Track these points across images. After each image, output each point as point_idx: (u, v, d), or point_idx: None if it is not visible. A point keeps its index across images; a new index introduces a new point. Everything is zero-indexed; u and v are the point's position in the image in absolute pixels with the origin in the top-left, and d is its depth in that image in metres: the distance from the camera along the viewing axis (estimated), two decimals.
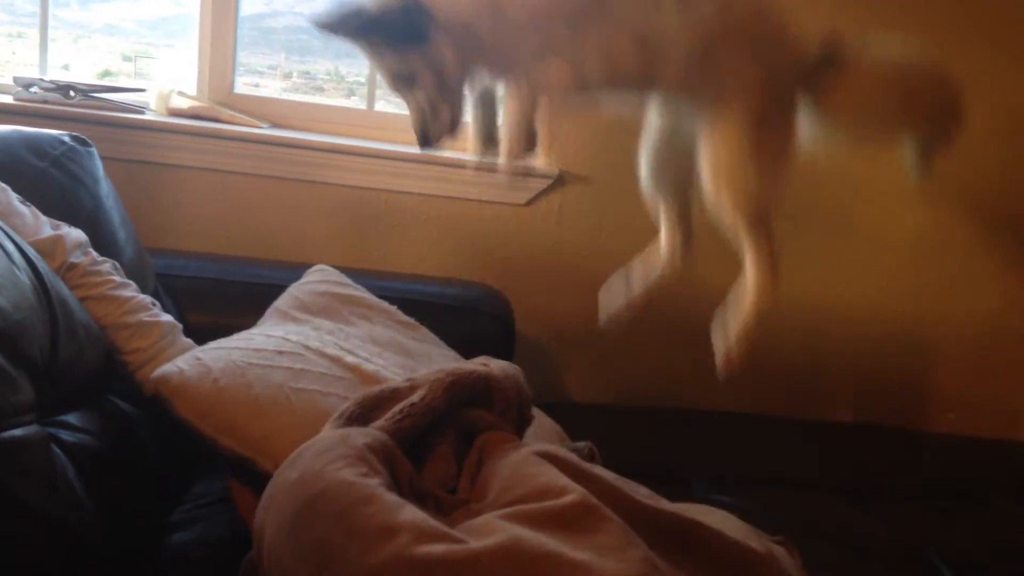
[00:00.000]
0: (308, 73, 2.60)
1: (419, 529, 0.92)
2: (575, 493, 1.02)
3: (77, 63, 2.40)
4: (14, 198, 1.38)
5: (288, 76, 2.56)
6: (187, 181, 2.19)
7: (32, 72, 2.24)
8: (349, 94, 2.58)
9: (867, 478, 1.89)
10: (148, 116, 2.16)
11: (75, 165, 1.64)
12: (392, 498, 0.98)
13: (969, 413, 2.48)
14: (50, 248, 1.35)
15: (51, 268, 1.29)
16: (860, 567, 1.53)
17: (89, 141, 1.72)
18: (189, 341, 1.43)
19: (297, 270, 2.00)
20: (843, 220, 2.40)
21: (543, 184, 2.30)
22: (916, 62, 1.46)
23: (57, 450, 1.14)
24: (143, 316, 1.41)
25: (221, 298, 1.74)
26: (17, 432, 1.04)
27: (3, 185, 1.38)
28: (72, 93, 2.08)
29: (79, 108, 2.07)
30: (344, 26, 1.24)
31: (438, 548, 0.89)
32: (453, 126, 1.30)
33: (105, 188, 1.69)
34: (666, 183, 1.53)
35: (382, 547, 0.89)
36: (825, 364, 2.44)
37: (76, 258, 1.38)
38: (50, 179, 1.56)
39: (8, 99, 2.08)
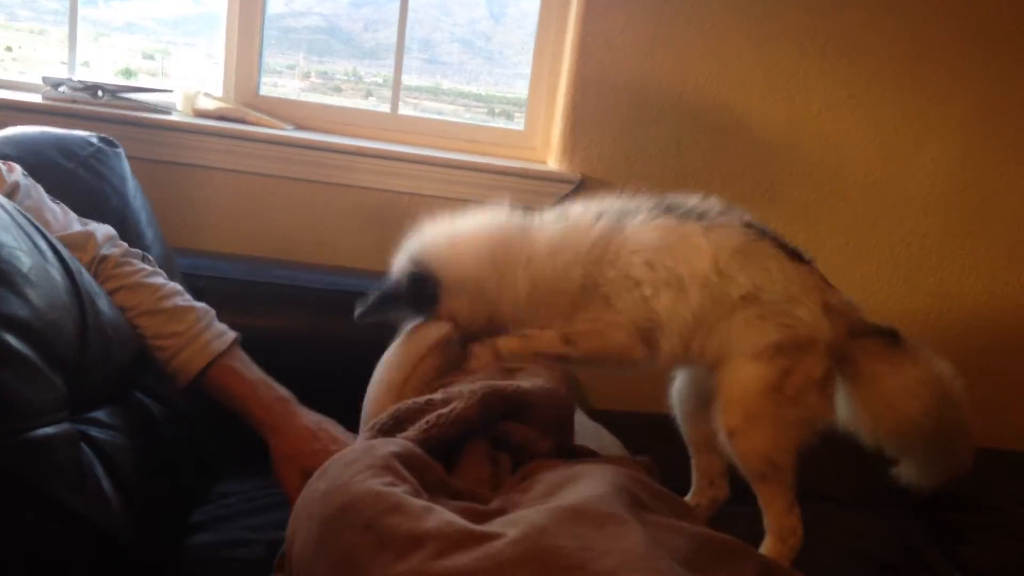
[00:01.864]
0: (326, 73, 2.62)
1: (445, 535, 0.92)
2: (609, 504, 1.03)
3: (97, 61, 2.42)
4: (45, 196, 1.39)
5: (307, 76, 2.57)
6: (212, 182, 2.20)
7: (57, 70, 2.27)
8: (367, 95, 2.60)
9: (878, 487, 1.87)
10: (175, 117, 2.18)
11: (103, 166, 1.65)
12: (419, 505, 0.98)
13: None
14: (82, 242, 1.36)
15: (83, 262, 1.30)
16: None
17: (116, 142, 1.73)
18: (224, 326, 1.42)
19: (321, 272, 2.02)
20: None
21: (565, 189, 2.30)
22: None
23: (86, 448, 1.15)
24: (178, 301, 1.40)
25: (247, 299, 1.74)
26: (49, 430, 1.05)
27: (34, 183, 1.39)
28: (100, 93, 2.10)
29: (107, 108, 2.09)
30: (371, 313, 1.38)
31: (463, 559, 0.89)
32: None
33: (132, 188, 1.70)
34: (694, 425, 1.58)
35: (408, 558, 0.90)
36: None
37: (107, 250, 1.39)
38: (78, 179, 1.58)
39: (37, 98, 2.10)
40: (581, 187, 2.31)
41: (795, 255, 1.44)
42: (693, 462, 1.62)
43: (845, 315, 1.43)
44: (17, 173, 1.36)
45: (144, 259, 1.45)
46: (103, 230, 1.43)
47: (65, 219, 1.39)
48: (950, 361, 2.14)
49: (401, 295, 1.37)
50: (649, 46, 2.25)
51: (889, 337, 1.45)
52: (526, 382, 1.28)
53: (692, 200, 1.46)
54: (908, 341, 1.46)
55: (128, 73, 2.51)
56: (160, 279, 1.43)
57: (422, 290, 1.36)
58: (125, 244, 1.45)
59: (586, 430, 1.74)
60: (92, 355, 1.20)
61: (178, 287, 1.45)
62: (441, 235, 1.43)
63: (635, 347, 1.41)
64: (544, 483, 1.11)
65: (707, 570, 1.02)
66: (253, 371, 1.39)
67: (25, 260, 1.09)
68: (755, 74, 2.29)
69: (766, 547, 1.38)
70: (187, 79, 2.34)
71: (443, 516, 0.96)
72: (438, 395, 1.25)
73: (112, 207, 1.61)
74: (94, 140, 1.68)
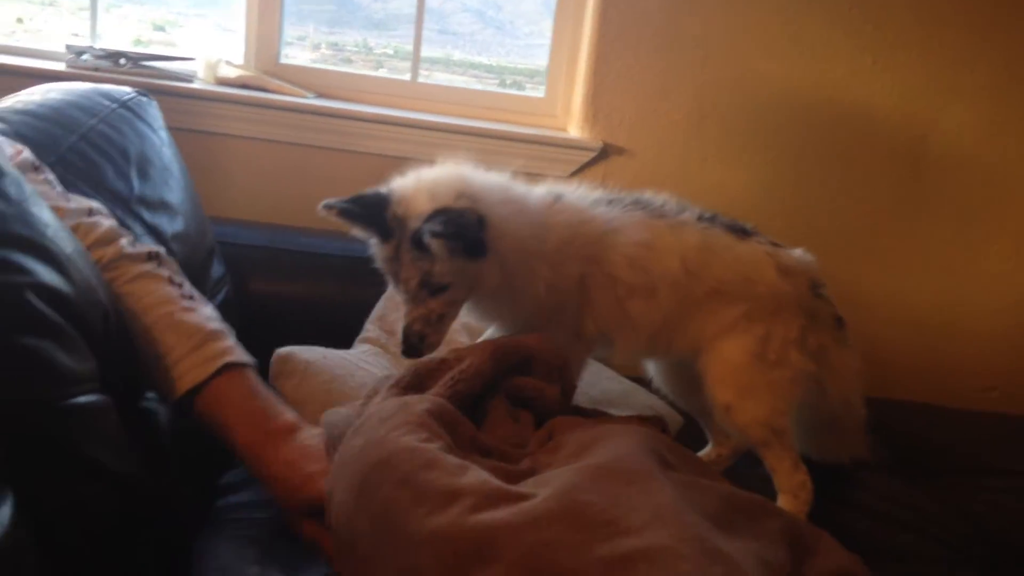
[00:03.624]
0: (336, 44, 2.60)
1: (481, 492, 0.94)
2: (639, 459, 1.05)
3: (108, 32, 2.41)
4: (56, 187, 1.36)
5: (317, 47, 2.56)
6: (234, 149, 2.21)
7: (71, 40, 2.27)
8: (377, 66, 2.58)
9: (918, 456, 1.88)
10: (196, 85, 2.18)
11: (141, 109, 1.70)
12: (454, 461, 1.00)
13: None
14: (110, 237, 1.32)
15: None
16: (910, 546, 1.53)
17: (149, 95, 1.76)
18: (227, 346, 1.27)
19: (344, 239, 2.03)
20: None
21: (587, 157, 2.29)
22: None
23: (121, 415, 1.16)
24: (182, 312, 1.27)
25: (271, 266, 1.76)
26: (90, 397, 1.07)
27: (46, 174, 1.36)
28: (122, 61, 2.11)
29: (129, 76, 2.09)
30: (358, 218, 1.30)
31: (499, 514, 0.91)
32: (441, 341, 1.34)
33: (166, 136, 1.75)
34: (688, 398, 1.63)
35: (444, 512, 0.92)
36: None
37: (128, 248, 1.34)
38: (119, 116, 1.62)
39: (61, 66, 2.11)
40: (602, 155, 2.30)
41: (741, 232, 1.49)
42: (702, 422, 1.65)
43: (803, 272, 1.48)
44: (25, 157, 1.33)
45: (156, 257, 1.33)
46: (105, 222, 1.32)
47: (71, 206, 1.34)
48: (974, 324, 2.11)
49: (461, 234, 1.24)
50: (673, 11, 2.23)
51: (837, 320, 1.52)
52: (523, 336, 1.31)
53: (650, 197, 1.48)
54: (847, 330, 1.53)
55: (139, 44, 2.50)
56: (168, 287, 1.30)
57: (480, 238, 1.26)
58: (128, 236, 1.33)
59: (623, 389, 1.76)
60: (116, 339, 1.20)
61: (189, 292, 1.33)
62: (495, 186, 1.36)
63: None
64: (572, 444, 1.13)
65: (733, 527, 1.04)
66: (247, 399, 1.24)
67: (68, 242, 1.12)
68: (779, 39, 2.27)
69: (781, 504, 1.42)
70: (198, 50, 2.33)
71: (478, 474, 0.98)
72: (449, 353, 1.27)
73: (153, 144, 1.66)
74: (131, 92, 1.73)
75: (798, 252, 1.50)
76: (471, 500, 0.93)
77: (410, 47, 2.39)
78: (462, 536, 0.89)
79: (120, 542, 1.10)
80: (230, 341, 1.25)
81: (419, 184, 1.31)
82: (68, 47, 2.13)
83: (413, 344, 1.32)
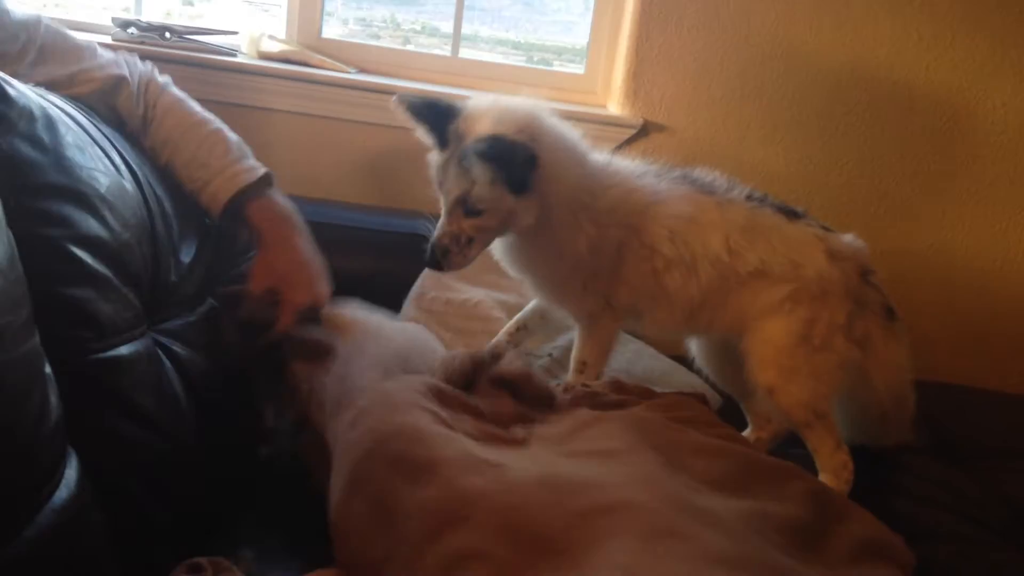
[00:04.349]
0: (364, 20, 2.59)
1: (462, 463, 1.00)
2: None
3: (140, 4, 2.43)
4: (68, 36, 1.43)
5: (345, 23, 2.56)
6: (276, 124, 2.22)
7: (99, 15, 2.30)
8: (405, 42, 2.58)
9: (960, 439, 1.87)
10: (240, 59, 2.20)
11: None
12: (439, 433, 1.06)
13: None
14: (120, 83, 1.43)
15: (128, 102, 1.41)
16: (950, 527, 1.52)
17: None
18: (254, 161, 1.51)
19: (385, 214, 2.05)
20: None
21: (627, 134, 2.28)
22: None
23: (164, 359, 1.19)
24: (211, 129, 1.49)
25: (316, 240, 1.77)
26: (131, 347, 1.10)
27: (57, 28, 1.42)
28: (167, 35, 2.12)
29: (174, 50, 2.11)
30: (426, 118, 1.34)
31: (479, 480, 0.97)
32: (464, 265, 1.38)
33: None
34: (730, 379, 1.63)
35: (431, 483, 0.98)
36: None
37: (148, 76, 1.50)
38: None
39: (107, 39, 2.13)
40: (643, 132, 2.29)
41: (792, 214, 1.47)
42: (743, 405, 1.64)
43: (852, 258, 1.46)
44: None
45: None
46: (130, 60, 1.50)
47: (96, 59, 1.44)
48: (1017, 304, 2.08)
49: (513, 161, 1.27)
50: None
51: (887, 311, 1.50)
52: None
53: (701, 173, 1.47)
54: (901, 322, 1.52)
55: (168, 17, 2.51)
56: (196, 105, 1.51)
57: (517, 165, 1.28)
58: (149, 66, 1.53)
59: (665, 368, 1.76)
60: (163, 268, 1.24)
61: (210, 115, 1.52)
62: (561, 134, 1.38)
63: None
64: (568, 422, 1.19)
65: (751, 488, 1.07)
66: (276, 204, 1.48)
67: (103, 180, 1.13)
68: (823, 15, 2.24)
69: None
70: (241, 24, 2.34)
71: (461, 444, 1.05)
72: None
73: None
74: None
75: (849, 237, 1.49)
76: (453, 469, 0.99)
77: (437, 23, 2.39)
78: (443, 503, 0.95)
79: (173, 490, 1.13)
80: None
81: (491, 107, 1.34)
82: (113, 19, 2.15)
83: (436, 258, 1.35)
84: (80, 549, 0.94)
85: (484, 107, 1.33)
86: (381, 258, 1.91)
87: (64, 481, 0.93)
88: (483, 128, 1.28)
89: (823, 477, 1.44)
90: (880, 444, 1.60)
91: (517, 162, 1.26)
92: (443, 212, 1.36)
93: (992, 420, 2.01)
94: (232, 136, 1.49)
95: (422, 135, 1.37)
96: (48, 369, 0.93)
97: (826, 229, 1.48)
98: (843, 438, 1.48)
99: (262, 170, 1.47)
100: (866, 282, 1.47)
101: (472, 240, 1.34)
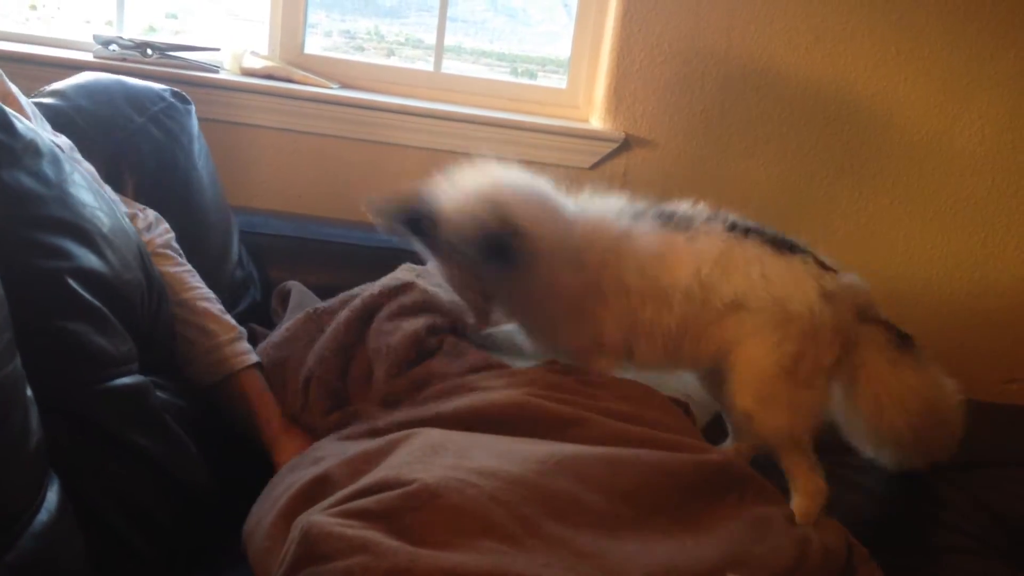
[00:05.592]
0: (349, 32, 2.60)
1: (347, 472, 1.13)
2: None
3: (120, 20, 2.42)
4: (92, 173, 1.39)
5: (329, 35, 2.56)
6: (260, 140, 2.23)
7: (82, 28, 2.30)
8: (389, 54, 2.58)
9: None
10: (222, 75, 2.20)
11: (173, 122, 1.65)
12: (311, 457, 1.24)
13: None
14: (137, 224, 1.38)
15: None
16: (932, 536, 1.53)
17: (189, 99, 1.74)
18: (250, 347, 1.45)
19: (368, 230, 2.04)
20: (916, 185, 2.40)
21: (609, 148, 2.30)
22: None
23: (159, 395, 1.19)
24: (216, 306, 1.43)
25: (298, 256, 1.78)
26: (127, 380, 1.09)
27: (80, 165, 1.38)
28: (149, 51, 2.12)
29: (157, 67, 2.11)
30: (402, 228, 1.37)
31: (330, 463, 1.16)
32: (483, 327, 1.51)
33: (199, 147, 1.71)
34: (713, 387, 1.59)
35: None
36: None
37: (159, 237, 1.41)
38: (147, 135, 1.57)
39: (88, 56, 2.13)
40: (625, 146, 2.30)
41: (786, 246, 1.44)
42: (725, 417, 1.64)
43: (849, 298, 1.44)
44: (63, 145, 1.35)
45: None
46: (151, 213, 1.44)
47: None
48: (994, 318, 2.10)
49: (486, 246, 1.30)
50: (695, 2, 2.23)
51: (901, 338, 1.48)
52: None
53: (681, 207, 1.47)
54: (919, 349, 1.49)
55: (151, 31, 2.51)
56: (199, 280, 1.44)
57: (509, 245, 1.30)
58: (170, 232, 1.45)
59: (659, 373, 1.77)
60: (156, 321, 1.23)
61: (213, 295, 1.46)
62: (532, 195, 1.39)
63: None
64: (435, 391, 1.34)
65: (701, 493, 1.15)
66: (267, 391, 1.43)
67: (105, 220, 1.13)
68: (802, 31, 2.26)
69: (796, 506, 1.40)
70: (223, 40, 2.34)
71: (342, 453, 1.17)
72: None
73: (179, 165, 1.62)
74: (167, 95, 1.69)
75: (849, 277, 1.46)
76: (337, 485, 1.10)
77: (420, 35, 2.40)
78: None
79: (159, 524, 1.13)
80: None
81: (461, 197, 1.35)
82: (95, 37, 2.14)
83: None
84: (61, 574, 0.93)
85: (454, 201, 1.34)
86: (367, 273, 1.90)
87: (45, 505, 0.92)
88: (462, 224, 1.31)
89: (797, 500, 1.42)
90: (934, 461, 1.63)
91: (507, 246, 1.29)
92: (461, 299, 1.47)
93: (969, 429, 2.02)
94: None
95: (415, 245, 1.42)
96: (30, 392, 0.93)
97: (825, 267, 1.45)
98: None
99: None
100: (865, 320, 1.46)
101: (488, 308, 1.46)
